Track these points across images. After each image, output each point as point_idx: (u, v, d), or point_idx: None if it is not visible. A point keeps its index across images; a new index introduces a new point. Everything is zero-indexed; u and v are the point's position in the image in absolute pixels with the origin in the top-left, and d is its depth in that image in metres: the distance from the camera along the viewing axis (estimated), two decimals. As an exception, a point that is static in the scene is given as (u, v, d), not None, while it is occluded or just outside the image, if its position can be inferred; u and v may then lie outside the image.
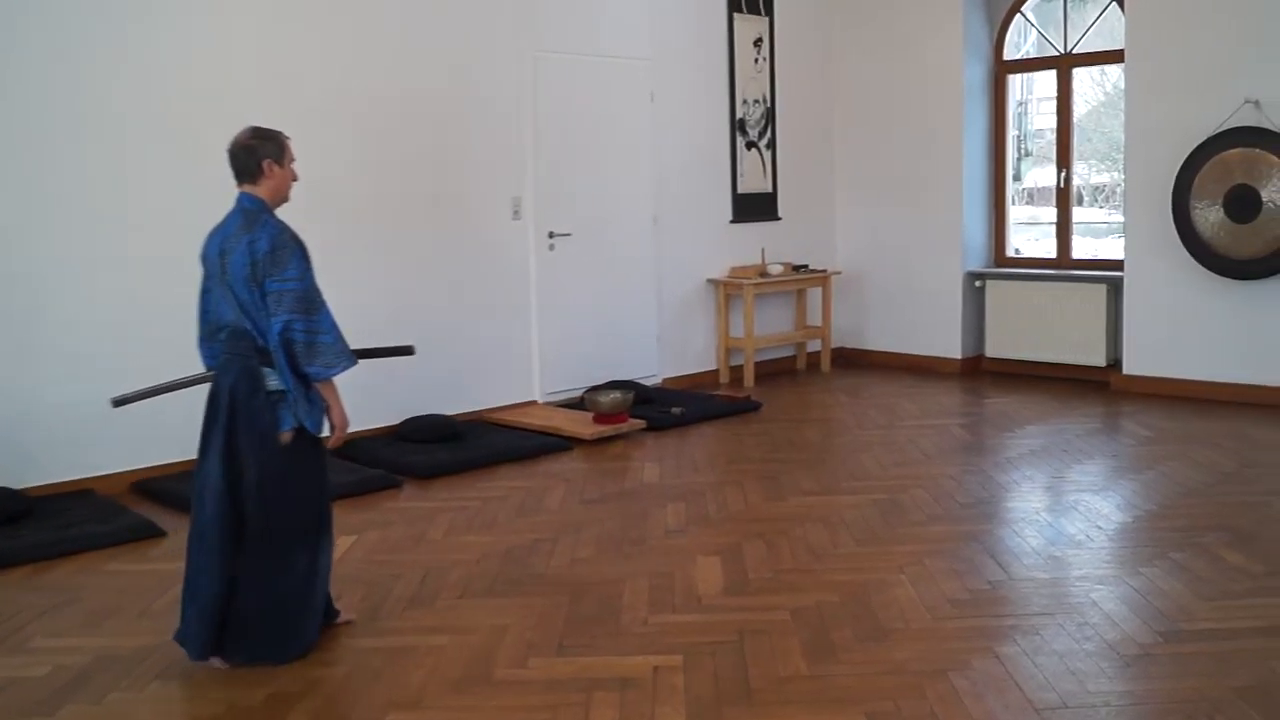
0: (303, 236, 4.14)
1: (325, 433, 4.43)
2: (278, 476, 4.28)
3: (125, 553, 5.68)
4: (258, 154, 4.32)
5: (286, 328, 4.17)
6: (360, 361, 4.45)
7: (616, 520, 6.00)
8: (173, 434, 6.82)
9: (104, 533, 5.84)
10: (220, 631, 4.25)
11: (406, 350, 5.21)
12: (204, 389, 4.49)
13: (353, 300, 7.50)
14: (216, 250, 4.30)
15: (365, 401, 7.58)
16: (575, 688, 4.00)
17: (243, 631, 4.26)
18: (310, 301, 4.23)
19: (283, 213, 4.38)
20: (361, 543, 5.70)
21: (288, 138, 4.45)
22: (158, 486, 6.66)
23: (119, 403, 4.67)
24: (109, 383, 6.68)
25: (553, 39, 8.72)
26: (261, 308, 4.21)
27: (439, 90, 8.07)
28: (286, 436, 4.29)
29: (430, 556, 5.45)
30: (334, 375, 4.31)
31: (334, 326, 4.29)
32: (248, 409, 4.25)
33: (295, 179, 4.46)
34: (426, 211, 8.04)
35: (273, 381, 4.27)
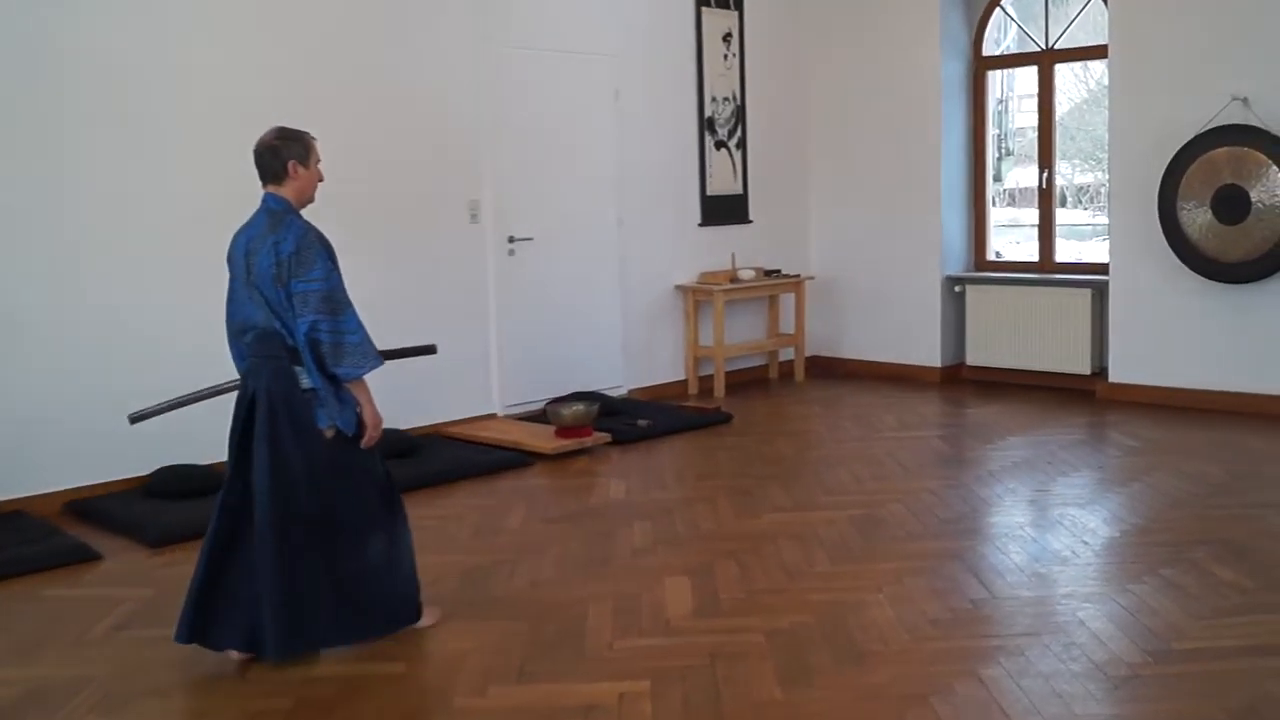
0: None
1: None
2: (330, 466, 4.49)
3: (58, 577, 5.61)
4: (282, 155, 4.51)
5: (312, 328, 4.36)
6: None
7: (580, 540, 5.98)
8: (108, 451, 6.77)
9: (35, 556, 5.77)
10: (298, 626, 4.41)
11: (429, 350, 5.43)
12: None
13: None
14: (242, 251, 4.49)
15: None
16: (538, 716, 3.98)
17: (332, 619, 4.45)
18: (336, 302, 4.41)
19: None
20: (311, 565, 5.64)
21: (314, 138, 4.62)
22: (93, 507, 6.59)
23: (137, 419, 4.80)
24: (35, 396, 6.66)
25: (512, 34, 8.70)
26: (289, 308, 4.38)
27: (391, 87, 8.03)
28: (329, 432, 4.49)
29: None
30: (362, 375, 4.49)
31: (360, 327, 4.47)
32: (288, 407, 4.43)
33: (321, 179, 4.64)
34: (378, 215, 7.99)
35: (305, 380, 4.46)
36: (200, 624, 4.48)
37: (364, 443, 4.57)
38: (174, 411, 4.88)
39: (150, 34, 6.99)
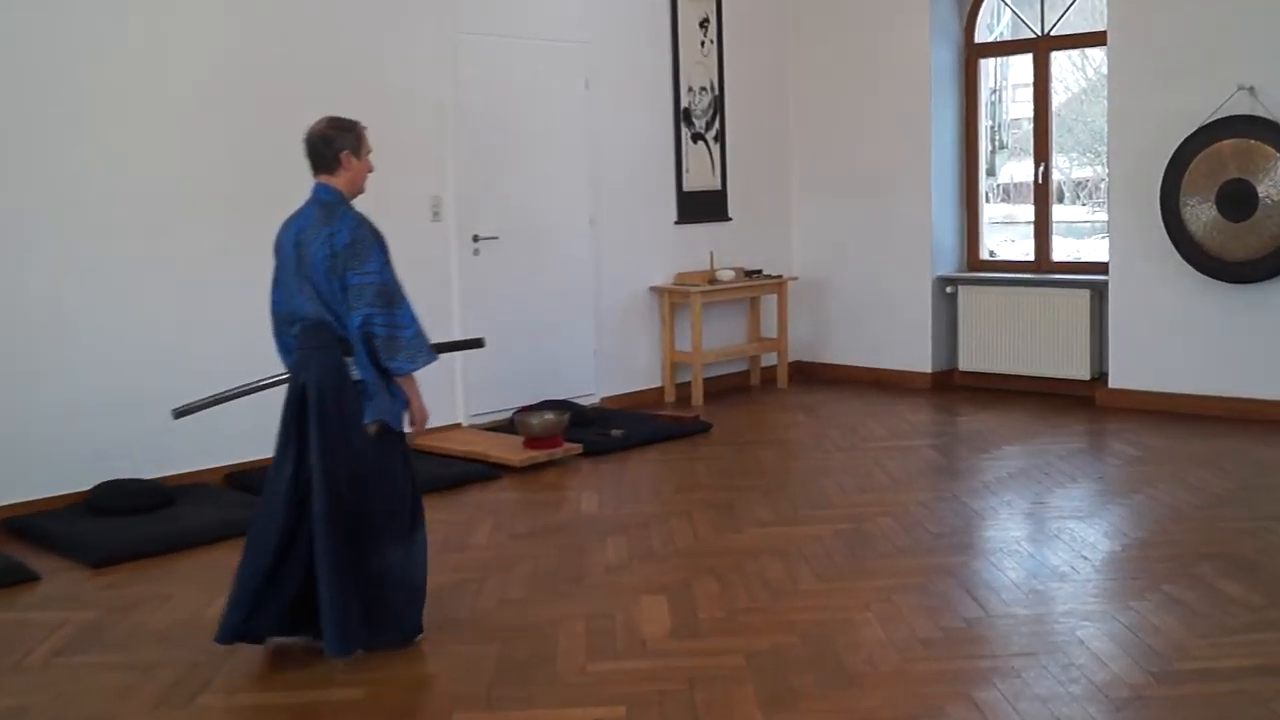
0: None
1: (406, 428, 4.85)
2: (372, 467, 4.69)
3: (-7, 600, 5.60)
4: (335, 145, 4.74)
5: (367, 321, 4.57)
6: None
7: (551, 556, 5.98)
8: (48, 465, 6.74)
9: (-32, 578, 5.75)
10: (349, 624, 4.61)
11: (478, 343, 5.75)
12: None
13: (241, 314, 7.46)
14: (292, 242, 4.71)
15: (263, 424, 7.52)
16: (506, 745, 3.98)
17: (343, 622, 4.58)
18: (391, 295, 4.63)
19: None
20: (263, 585, 5.63)
21: (364, 128, 4.83)
22: (31, 524, 6.55)
23: (181, 413, 5.01)
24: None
25: (475, 18, 8.71)
26: (342, 299, 4.60)
27: (344, 75, 7.99)
28: (373, 428, 4.67)
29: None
30: (415, 370, 4.72)
31: (415, 320, 4.70)
32: (337, 400, 4.64)
33: (371, 170, 4.86)
34: (335, 212, 7.98)
35: (355, 372, 4.66)
36: (250, 621, 4.68)
37: (411, 438, 4.88)
38: (181, 419, 5.05)
39: (98, 21, 6.97)
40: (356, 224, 4.66)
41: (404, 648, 4.77)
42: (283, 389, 4.85)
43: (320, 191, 4.75)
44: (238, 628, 4.68)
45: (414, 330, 4.68)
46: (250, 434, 7.45)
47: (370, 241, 4.64)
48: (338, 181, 4.75)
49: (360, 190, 4.84)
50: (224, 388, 5.20)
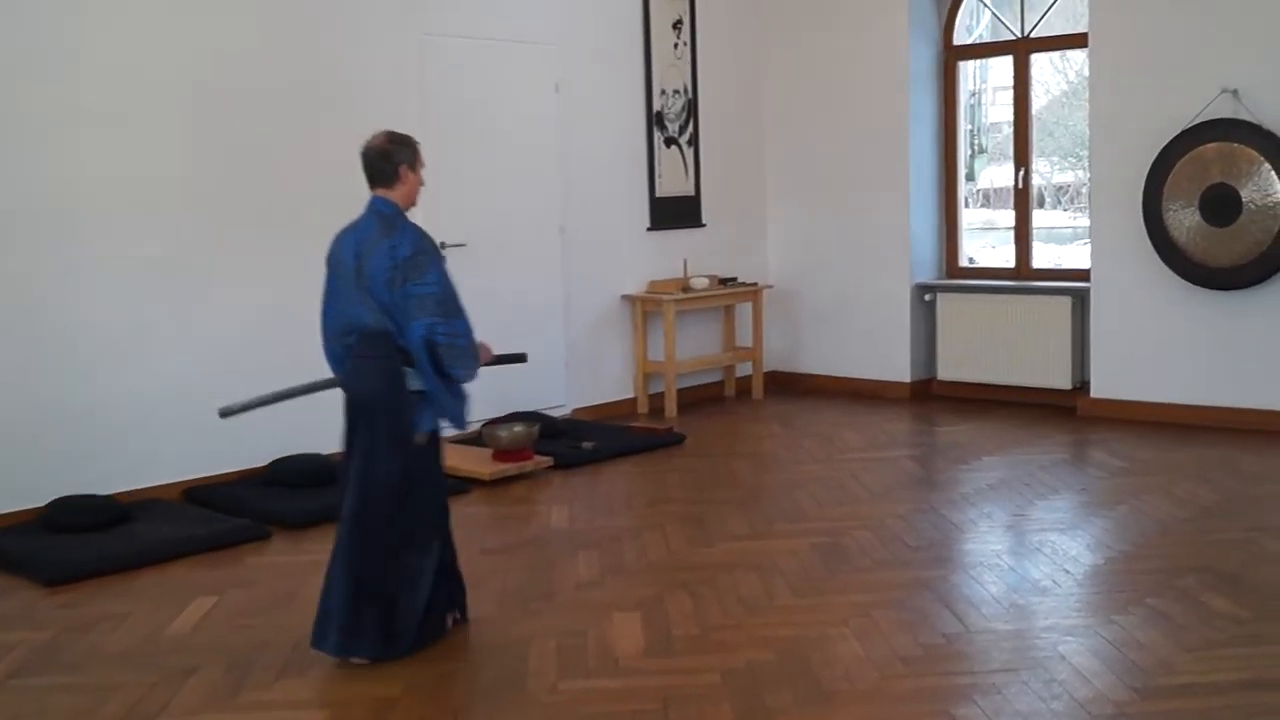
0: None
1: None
2: (417, 473, 4.98)
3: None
4: (394, 159, 5.03)
5: (430, 330, 4.84)
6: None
7: (521, 572, 5.98)
8: (-1, 480, 6.72)
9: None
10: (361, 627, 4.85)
11: (520, 358, 5.89)
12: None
13: (202, 325, 7.45)
14: (351, 253, 4.96)
15: (225, 439, 7.51)
16: (474, 767, 3.98)
17: (350, 621, 4.82)
18: (450, 305, 4.91)
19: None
20: (223, 605, 5.61)
21: (418, 142, 5.15)
22: (-19, 542, 6.53)
23: (226, 414, 5.14)
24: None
25: (441, 19, 8.70)
26: (403, 310, 4.86)
27: (305, 76, 7.98)
28: (422, 438, 4.98)
29: (304, 619, 5.35)
30: (473, 379, 5.05)
31: (470, 330, 4.98)
32: (393, 409, 4.92)
33: (423, 184, 5.16)
34: (289, 218, 7.89)
35: (413, 382, 4.92)
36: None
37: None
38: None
39: (53, 23, 6.95)
40: (418, 236, 4.94)
41: (396, 659, 4.84)
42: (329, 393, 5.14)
43: (379, 205, 5.03)
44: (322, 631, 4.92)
45: (469, 340, 4.96)
46: (207, 449, 7.47)
47: (431, 253, 4.92)
48: (395, 195, 5.03)
49: (414, 203, 5.13)
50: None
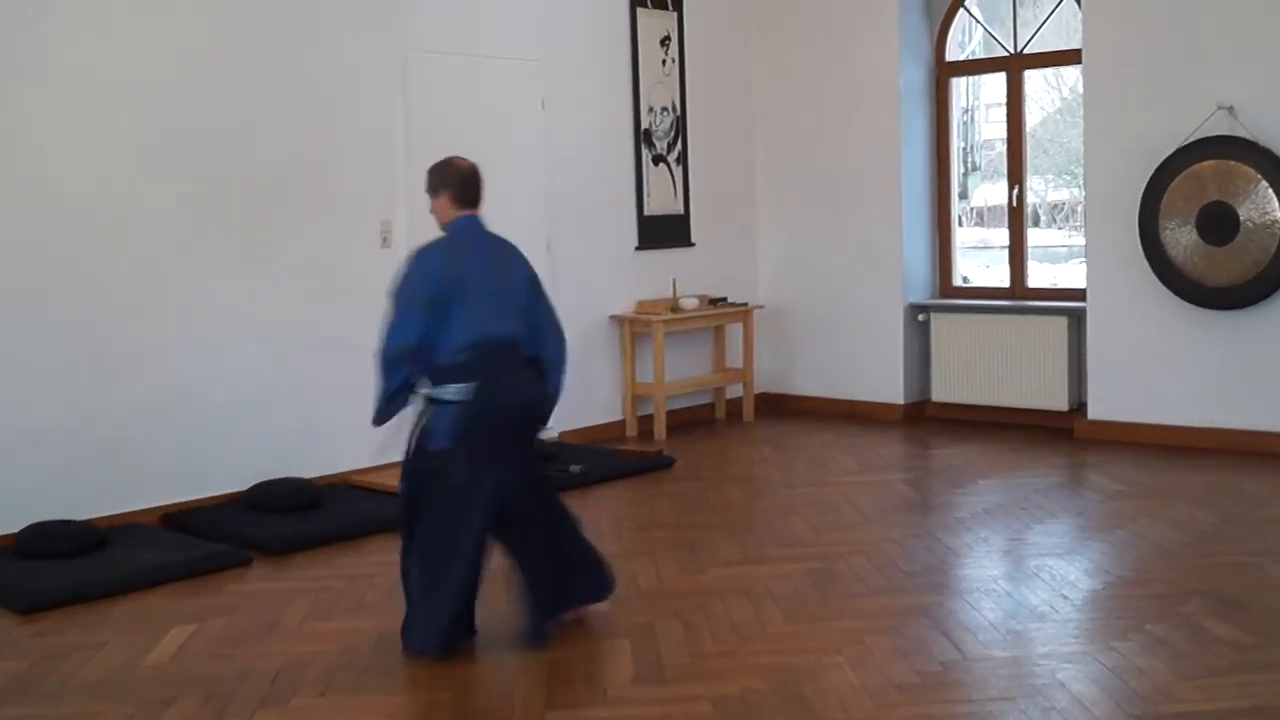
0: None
1: None
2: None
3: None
4: (482, 183, 5.54)
5: (563, 340, 5.53)
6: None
7: (506, 599, 5.94)
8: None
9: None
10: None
11: None
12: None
13: (185, 348, 7.42)
14: (485, 264, 5.33)
15: (205, 463, 7.48)
16: (460, 799, 3.96)
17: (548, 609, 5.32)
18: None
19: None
20: (202, 633, 5.58)
21: None
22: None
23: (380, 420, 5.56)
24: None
25: (426, 36, 8.70)
26: (544, 318, 5.43)
27: (290, 94, 7.98)
28: (552, 435, 5.37)
29: (285, 647, 5.37)
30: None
31: None
32: (547, 414, 5.46)
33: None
34: (275, 237, 7.92)
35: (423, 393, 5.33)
36: (460, 624, 5.27)
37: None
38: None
39: (31, 30, 6.94)
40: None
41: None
42: None
43: (481, 222, 5.48)
44: (456, 632, 5.23)
45: None
46: (186, 473, 7.44)
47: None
48: (480, 215, 5.49)
49: None
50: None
